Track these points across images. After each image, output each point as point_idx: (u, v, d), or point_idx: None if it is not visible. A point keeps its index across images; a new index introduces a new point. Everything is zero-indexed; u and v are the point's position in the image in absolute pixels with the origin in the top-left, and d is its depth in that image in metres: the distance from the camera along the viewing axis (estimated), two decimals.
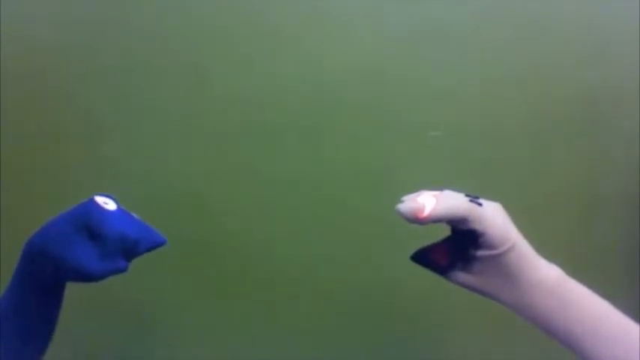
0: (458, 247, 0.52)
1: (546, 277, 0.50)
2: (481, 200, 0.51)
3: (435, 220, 0.50)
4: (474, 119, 0.94)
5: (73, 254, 0.49)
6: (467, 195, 0.51)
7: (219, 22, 0.92)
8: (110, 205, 0.51)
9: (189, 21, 0.92)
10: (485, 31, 0.92)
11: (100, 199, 0.51)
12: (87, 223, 0.49)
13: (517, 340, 0.95)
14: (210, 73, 0.93)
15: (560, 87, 0.94)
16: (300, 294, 0.97)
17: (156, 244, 0.53)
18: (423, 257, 0.55)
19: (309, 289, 0.97)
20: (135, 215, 0.53)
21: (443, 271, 0.54)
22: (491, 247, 0.49)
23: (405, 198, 0.51)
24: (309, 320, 0.98)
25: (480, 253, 0.50)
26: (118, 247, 0.50)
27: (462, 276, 0.52)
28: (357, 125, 0.93)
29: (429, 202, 0.49)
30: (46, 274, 0.51)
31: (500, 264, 0.50)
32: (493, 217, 0.50)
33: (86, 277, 0.50)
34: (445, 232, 0.55)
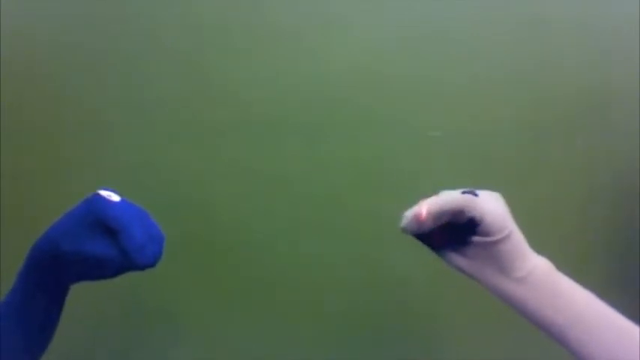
0: (455, 229, 0.53)
1: (535, 267, 0.51)
2: (477, 191, 0.52)
3: (435, 217, 0.50)
4: (474, 119, 0.94)
5: (90, 247, 0.49)
6: (463, 191, 0.52)
7: (219, 22, 0.92)
8: (114, 197, 0.51)
9: (189, 21, 0.92)
10: (485, 31, 0.92)
11: (104, 193, 0.51)
12: (96, 216, 0.49)
13: (517, 339, 0.95)
14: (210, 72, 0.93)
15: (560, 86, 0.94)
16: (300, 292, 0.97)
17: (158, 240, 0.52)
18: (425, 233, 0.55)
19: (308, 288, 0.97)
20: (139, 206, 0.53)
21: (437, 247, 0.54)
22: (487, 234, 0.50)
23: (405, 214, 0.52)
24: (308, 318, 0.98)
25: (475, 239, 0.51)
26: (127, 238, 0.49)
27: (454, 257, 0.53)
28: (357, 125, 0.93)
29: (424, 204, 0.50)
30: (58, 274, 0.51)
31: (493, 251, 0.51)
32: (490, 205, 0.51)
33: (107, 268, 0.50)
34: None
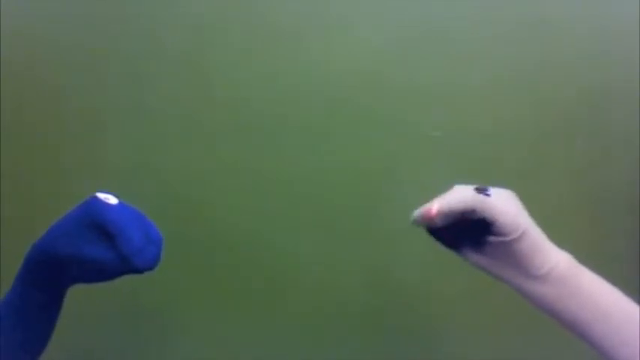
0: (471, 228, 0.53)
1: (557, 263, 0.51)
2: (490, 190, 0.52)
3: (446, 214, 0.51)
4: (475, 119, 0.94)
5: (87, 250, 0.49)
6: (476, 188, 0.52)
7: (219, 22, 0.92)
8: (112, 200, 0.51)
9: (189, 21, 0.92)
10: (486, 31, 0.92)
11: (102, 195, 0.51)
12: (93, 219, 0.49)
13: (517, 339, 0.95)
14: (210, 72, 0.93)
15: (561, 87, 0.93)
16: (300, 292, 0.97)
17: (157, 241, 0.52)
18: (438, 231, 0.55)
19: (309, 289, 0.97)
20: (136, 209, 0.53)
21: (451, 244, 0.55)
22: (502, 234, 0.50)
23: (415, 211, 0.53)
24: (308, 319, 0.98)
25: (491, 238, 0.51)
26: (124, 241, 0.49)
27: (473, 256, 0.53)
28: (358, 125, 0.93)
29: (436, 201, 0.51)
30: (56, 276, 0.51)
31: (510, 250, 0.51)
32: (502, 205, 0.51)
33: (105, 270, 0.50)
34: None
